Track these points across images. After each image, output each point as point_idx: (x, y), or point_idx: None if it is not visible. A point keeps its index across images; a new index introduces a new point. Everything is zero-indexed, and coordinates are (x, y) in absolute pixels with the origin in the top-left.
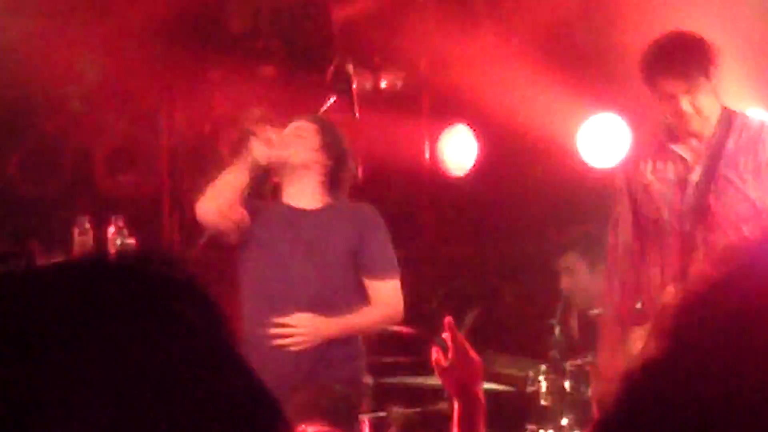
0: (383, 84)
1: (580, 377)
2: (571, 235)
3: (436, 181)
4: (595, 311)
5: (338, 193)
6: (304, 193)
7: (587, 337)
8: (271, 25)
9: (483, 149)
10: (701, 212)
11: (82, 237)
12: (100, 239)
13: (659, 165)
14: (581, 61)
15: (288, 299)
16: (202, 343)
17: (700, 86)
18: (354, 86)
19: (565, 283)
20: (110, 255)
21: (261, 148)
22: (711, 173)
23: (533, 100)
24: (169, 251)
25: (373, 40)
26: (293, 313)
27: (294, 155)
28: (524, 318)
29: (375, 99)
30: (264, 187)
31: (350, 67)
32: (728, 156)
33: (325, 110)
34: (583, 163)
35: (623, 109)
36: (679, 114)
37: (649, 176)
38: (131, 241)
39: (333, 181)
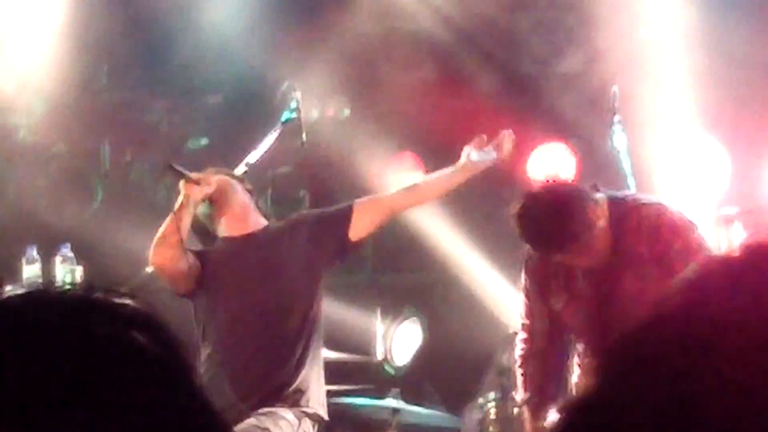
0: (330, 111)
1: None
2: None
3: None
4: None
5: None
6: (240, 221)
7: None
8: (219, 53)
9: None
10: None
11: (30, 266)
12: (48, 268)
13: None
14: None
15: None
16: (157, 371)
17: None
18: (301, 113)
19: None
20: (59, 288)
21: (193, 188)
22: None
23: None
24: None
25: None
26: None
27: (222, 182)
28: (471, 346)
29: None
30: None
31: (298, 94)
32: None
33: (273, 136)
34: None
35: None
36: None
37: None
38: (79, 269)
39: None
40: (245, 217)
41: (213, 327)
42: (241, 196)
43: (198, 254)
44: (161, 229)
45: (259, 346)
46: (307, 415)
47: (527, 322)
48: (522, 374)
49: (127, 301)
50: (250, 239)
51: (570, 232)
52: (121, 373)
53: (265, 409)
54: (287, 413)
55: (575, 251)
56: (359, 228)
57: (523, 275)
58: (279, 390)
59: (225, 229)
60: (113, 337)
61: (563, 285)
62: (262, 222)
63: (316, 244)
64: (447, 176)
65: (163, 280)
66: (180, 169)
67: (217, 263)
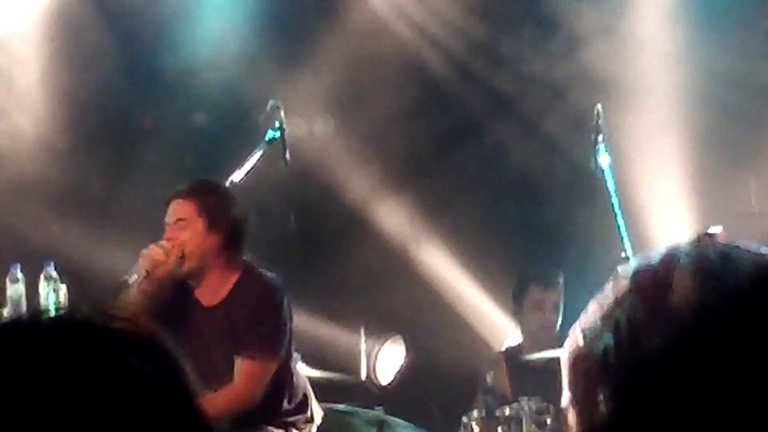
0: (316, 130)
1: (512, 423)
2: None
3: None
4: (528, 357)
5: (239, 257)
6: (210, 285)
7: (520, 384)
8: (204, 73)
9: None
10: None
11: (14, 285)
12: (33, 287)
13: None
14: None
15: None
16: (158, 399)
17: None
18: (285, 131)
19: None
20: (54, 312)
21: (146, 261)
22: None
23: None
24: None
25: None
26: None
27: (187, 247)
28: (457, 365)
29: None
30: None
31: (282, 112)
32: None
33: (257, 155)
34: None
35: None
36: None
37: None
38: (63, 288)
39: (232, 250)
40: (214, 287)
41: None
42: (212, 263)
43: (179, 289)
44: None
45: None
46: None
47: None
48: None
49: (127, 326)
50: (209, 315)
51: None
52: (121, 401)
53: None
54: None
55: None
56: None
57: (615, 308)
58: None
59: (196, 291)
60: (112, 363)
61: None
62: (230, 283)
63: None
64: None
65: None
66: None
67: (188, 327)
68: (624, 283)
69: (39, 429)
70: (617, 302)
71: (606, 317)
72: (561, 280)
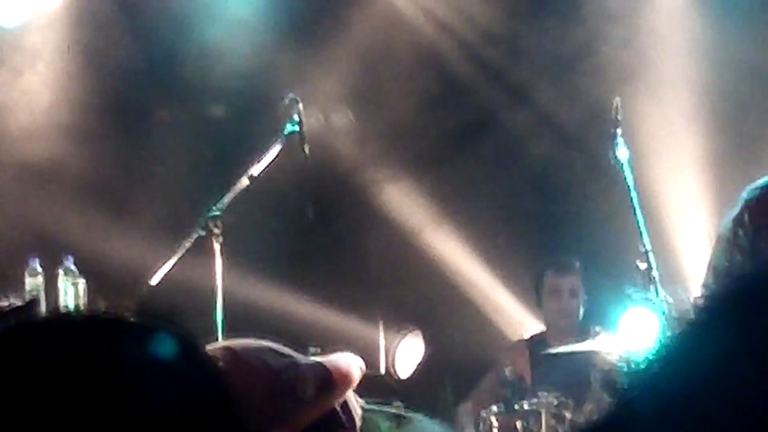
0: (334, 122)
1: (531, 417)
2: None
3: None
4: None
5: None
6: None
7: (541, 374)
8: (221, 65)
9: None
10: None
11: (32, 278)
12: (51, 281)
13: None
14: None
15: None
16: (196, 398)
17: None
18: (304, 124)
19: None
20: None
21: None
22: None
23: None
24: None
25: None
26: None
27: None
28: (476, 359)
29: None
30: None
31: (300, 106)
32: None
33: (276, 149)
34: None
35: None
36: None
37: None
38: (82, 282)
39: None
40: None
41: None
42: None
43: None
44: None
45: None
46: None
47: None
48: None
49: (163, 326)
50: None
51: None
52: (159, 402)
53: None
54: None
55: None
56: None
57: (735, 228)
58: None
59: None
60: (147, 363)
61: None
62: None
63: None
64: None
65: None
66: None
67: None
68: (738, 207)
69: (75, 426)
70: (736, 222)
71: (729, 241)
72: (577, 264)
